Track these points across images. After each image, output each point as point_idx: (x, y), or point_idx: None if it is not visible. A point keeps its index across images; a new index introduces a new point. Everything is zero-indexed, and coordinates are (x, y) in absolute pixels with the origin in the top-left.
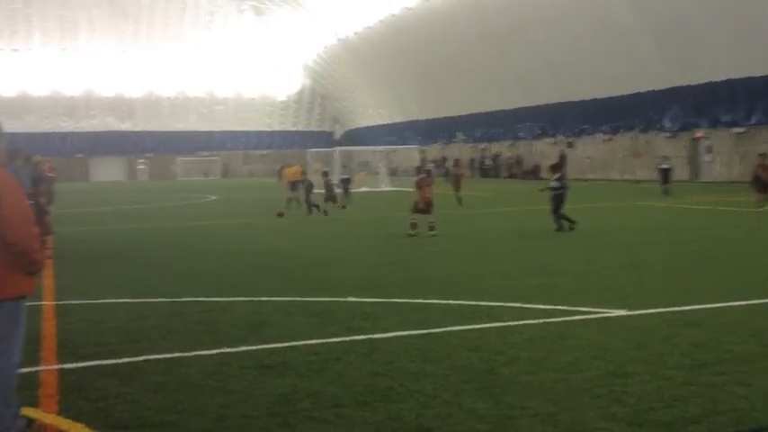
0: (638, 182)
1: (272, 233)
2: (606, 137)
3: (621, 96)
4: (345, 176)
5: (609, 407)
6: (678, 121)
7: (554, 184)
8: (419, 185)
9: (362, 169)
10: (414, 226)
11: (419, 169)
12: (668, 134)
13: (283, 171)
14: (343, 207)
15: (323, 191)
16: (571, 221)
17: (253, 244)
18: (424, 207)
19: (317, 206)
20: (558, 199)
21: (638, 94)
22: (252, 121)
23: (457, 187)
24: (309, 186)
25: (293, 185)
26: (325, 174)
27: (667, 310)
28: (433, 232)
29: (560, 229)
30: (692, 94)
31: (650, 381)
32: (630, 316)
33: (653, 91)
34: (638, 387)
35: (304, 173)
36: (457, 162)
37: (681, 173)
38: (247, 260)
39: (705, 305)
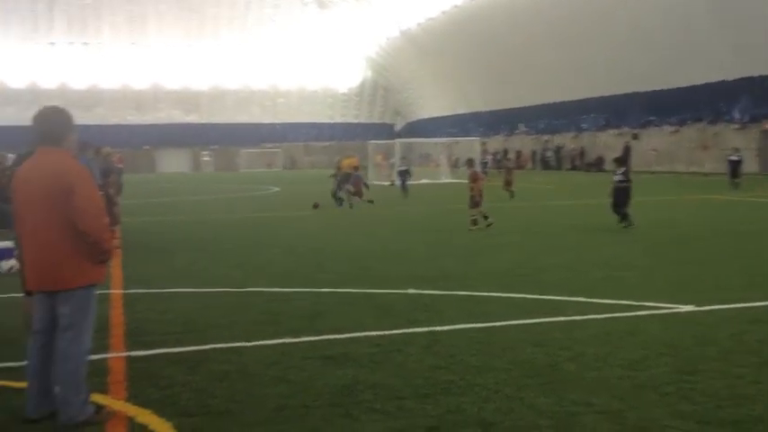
0: (706, 174)
1: (331, 225)
2: (673, 128)
3: (689, 87)
4: (403, 168)
5: (677, 404)
6: (748, 112)
7: (618, 177)
8: (473, 179)
9: (423, 161)
10: (474, 222)
11: (470, 162)
12: (737, 125)
13: (341, 162)
14: (370, 201)
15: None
16: (628, 219)
17: (312, 236)
18: (480, 200)
19: (342, 199)
20: (623, 193)
21: (706, 85)
22: (314, 113)
23: (508, 182)
24: (343, 179)
25: (346, 178)
26: (356, 168)
27: (736, 306)
28: (489, 220)
29: (629, 224)
30: (762, 85)
31: (718, 378)
32: (698, 311)
33: (722, 81)
34: (707, 384)
35: (357, 167)
36: (505, 154)
37: (750, 165)
38: (307, 251)
39: None
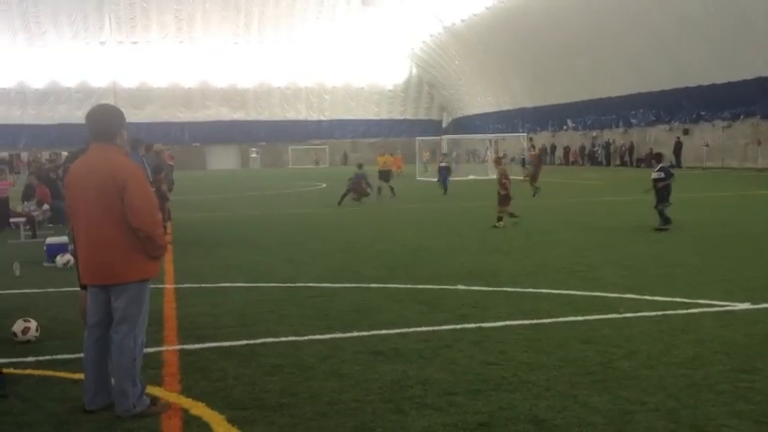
0: (760, 170)
1: (376, 221)
2: (725, 123)
3: (742, 81)
4: (444, 164)
5: (734, 404)
6: None
7: (656, 175)
8: (505, 176)
9: (469, 158)
10: (500, 219)
11: (499, 160)
12: None
13: (378, 159)
14: (365, 196)
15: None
16: (663, 217)
17: (358, 231)
18: (508, 198)
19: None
20: (663, 190)
21: (759, 79)
22: (360, 109)
23: (533, 177)
24: (381, 176)
25: (383, 175)
26: (360, 166)
27: None
28: (515, 219)
29: (663, 224)
30: None
31: None
32: (754, 309)
33: None
34: (765, 384)
35: (387, 163)
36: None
37: None
38: (353, 247)
39: None
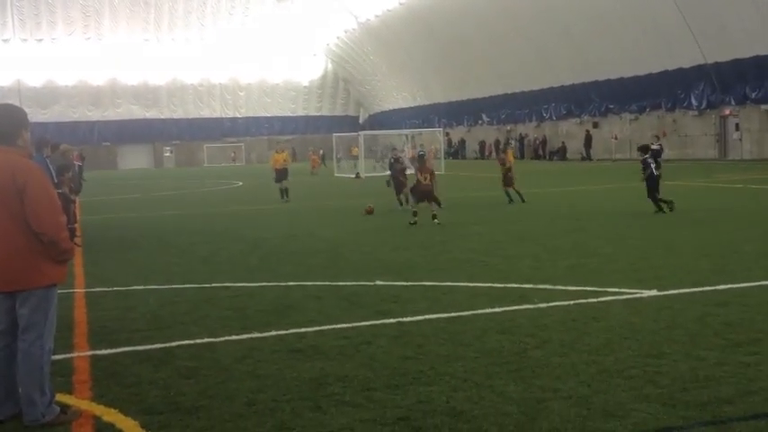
0: (666, 161)
1: (290, 218)
2: (633, 116)
3: (648, 75)
4: (393, 158)
5: (642, 388)
6: (705, 99)
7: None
8: (420, 171)
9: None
10: (414, 214)
11: (421, 157)
12: (695, 112)
13: (273, 157)
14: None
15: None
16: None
17: (274, 228)
18: (423, 194)
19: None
20: (649, 180)
21: (664, 73)
22: (276, 106)
23: (509, 182)
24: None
25: (279, 174)
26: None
27: (698, 289)
28: (436, 221)
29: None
30: (718, 72)
31: (683, 361)
32: (662, 296)
33: (679, 69)
34: (672, 368)
35: (283, 161)
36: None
37: (709, 151)
38: (270, 245)
39: (736, 284)
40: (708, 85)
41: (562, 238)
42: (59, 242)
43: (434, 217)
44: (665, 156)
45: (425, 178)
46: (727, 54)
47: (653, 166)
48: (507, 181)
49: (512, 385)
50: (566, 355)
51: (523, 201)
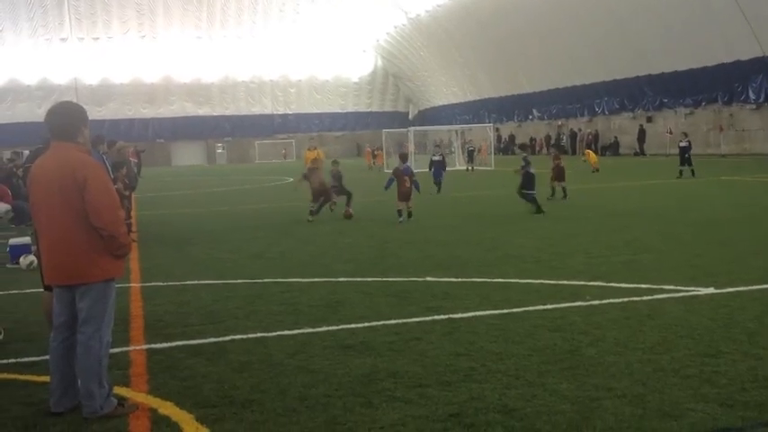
0: (722, 156)
1: (338, 214)
2: (687, 110)
3: (703, 68)
4: (437, 157)
5: (699, 387)
6: (763, 92)
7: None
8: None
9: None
10: (312, 213)
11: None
12: (753, 106)
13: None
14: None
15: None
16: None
17: (325, 225)
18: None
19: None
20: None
21: (720, 66)
22: (325, 102)
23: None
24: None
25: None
26: (335, 162)
27: (756, 287)
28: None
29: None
30: None
31: (741, 360)
32: (718, 294)
33: (737, 62)
34: (729, 367)
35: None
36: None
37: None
38: (321, 241)
39: None
40: (766, 77)
41: (614, 234)
42: (118, 237)
43: (409, 215)
44: (723, 151)
45: (405, 182)
46: None
47: (532, 167)
48: (558, 176)
49: (565, 383)
50: (620, 353)
51: (565, 197)
